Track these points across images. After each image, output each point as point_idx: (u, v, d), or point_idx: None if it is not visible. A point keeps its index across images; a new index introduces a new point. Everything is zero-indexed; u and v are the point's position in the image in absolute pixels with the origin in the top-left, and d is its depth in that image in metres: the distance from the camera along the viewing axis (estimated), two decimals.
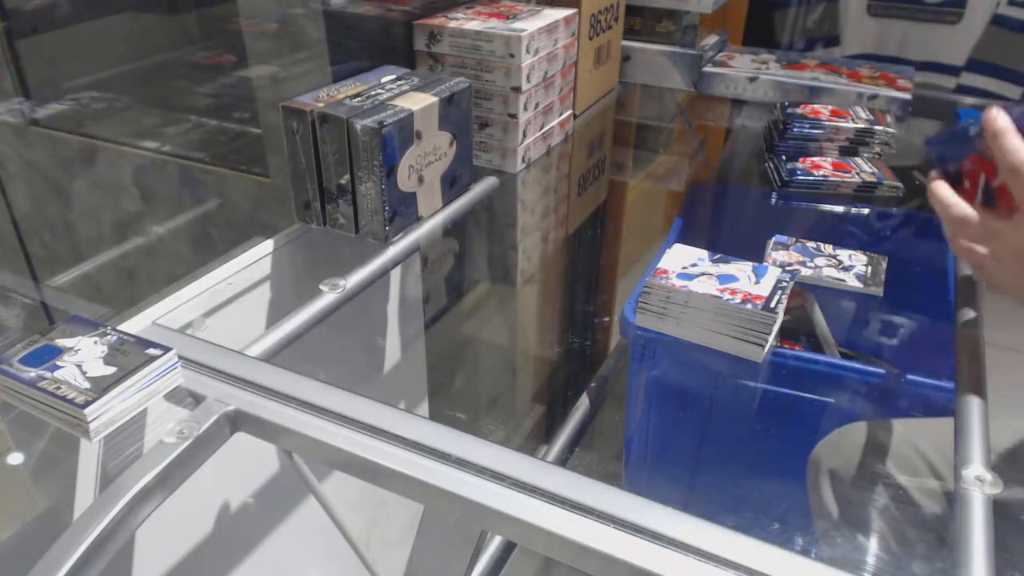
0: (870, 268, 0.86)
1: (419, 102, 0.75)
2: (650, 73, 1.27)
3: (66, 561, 0.43)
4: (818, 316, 0.91)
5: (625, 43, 1.25)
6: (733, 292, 0.71)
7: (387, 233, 0.75)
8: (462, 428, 0.52)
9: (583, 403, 0.87)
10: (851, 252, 0.89)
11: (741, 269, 0.75)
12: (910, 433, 0.77)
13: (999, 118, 0.58)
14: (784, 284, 0.73)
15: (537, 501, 0.47)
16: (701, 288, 0.72)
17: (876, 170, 1.00)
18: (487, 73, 0.90)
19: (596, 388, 0.89)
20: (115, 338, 0.55)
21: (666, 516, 0.45)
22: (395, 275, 0.98)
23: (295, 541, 0.94)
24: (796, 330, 0.99)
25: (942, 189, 0.63)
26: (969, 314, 0.72)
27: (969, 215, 0.61)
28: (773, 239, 0.91)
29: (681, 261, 0.76)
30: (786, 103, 1.08)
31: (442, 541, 1.17)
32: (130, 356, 0.53)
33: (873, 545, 0.75)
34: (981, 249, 0.61)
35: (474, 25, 0.90)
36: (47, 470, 0.61)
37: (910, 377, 0.77)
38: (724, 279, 0.73)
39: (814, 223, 0.99)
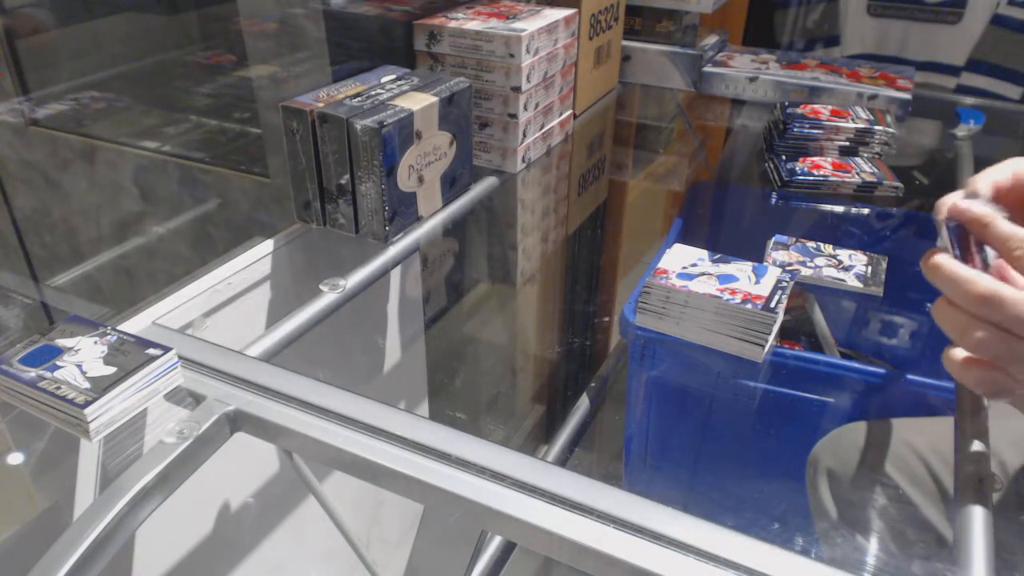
0: (870, 268, 0.86)
1: (419, 102, 0.75)
2: (650, 73, 1.27)
3: (66, 561, 0.43)
4: (818, 316, 0.91)
5: (625, 43, 1.25)
6: (733, 292, 0.71)
7: (387, 233, 0.75)
8: (462, 428, 0.52)
9: (583, 403, 0.87)
10: (851, 252, 0.89)
11: (741, 269, 0.75)
12: (910, 433, 0.77)
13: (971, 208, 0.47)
14: (784, 284, 0.73)
15: (537, 501, 0.47)
16: (701, 288, 0.72)
17: (876, 170, 1.00)
18: (487, 73, 0.90)
19: (596, 388, 0.89)
20: (115, 338, 0.55)
21: (666, 516, 0.45)
22: (395, 275, 0.98)
23: (295, 541, 0.94)
24: (796, 330, 0.99)
25: (946, 261, 0.48)
26: None
27: (999, 294, 0.45)
28: (773, 239, 0.91)
29: (681, 261, 0.76)
30: (786, 103, 1.08)
31: (442, 541, 1.17)
32: (130, 356, 0.53)
33: (873, 545, 0.75)
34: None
35: (474, 25, 0.90)
36: (47, 470, 0.61)
37: (910, 377, 0.77)
38: (724, 279, 0.73)
39: (814, 223, 0.99)
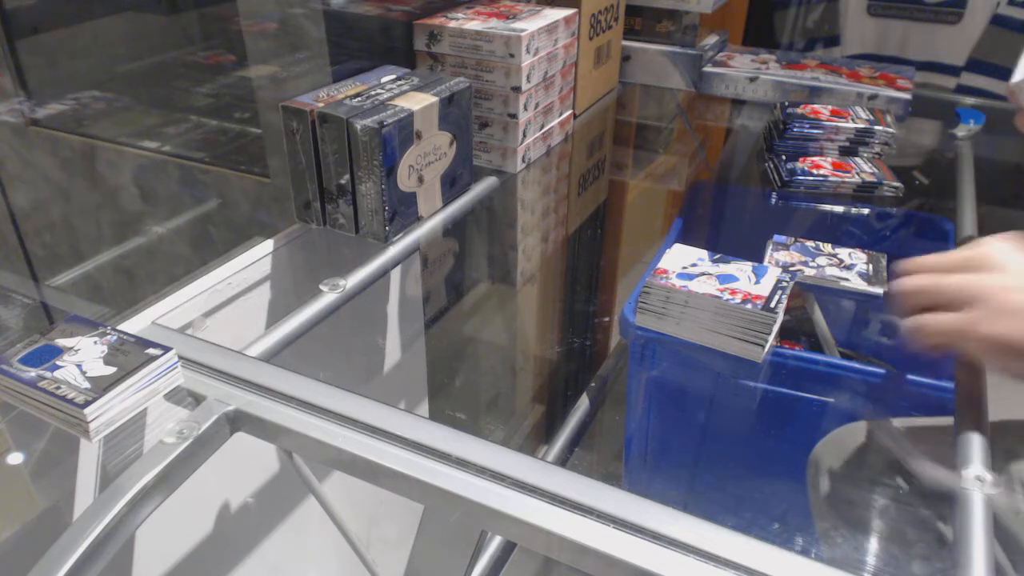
0: (871, 266, 0.86)
1: (419, 102, 0.75)
2: (650, 73, 1.27)
3: (66, 561, 0.43)
4: (818, 316, 0.91)
5: (625, 43, 1.25)
6: (733, 292, 0.71)
7: (387, 233, 0.75)
8: (462, 428, 0.52)
9: (583, 403, 0.87)
10: (850, 250, 0.89)
11: (741, 269, 0.75)
12: (910, 433, 0.77)
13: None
14: (784, 284, 0.73)
15: (537, 501, 0.47)
16: (701, 288, 0.72)
17: (876, 170, 1.00)
18: (487, 73, 0.90)
19: (596, 388, 0.89)
20: (115, 338, 0.55)
21: (666, 516, 0.45)
22: (395, 275, 0.98)
23: (295, 541, 0.94)
24: (796, 330, 0.99)
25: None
26: None
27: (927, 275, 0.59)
28: (772, 239, 0.91)
29: (681, 261, 0.76)
30: (786, 103, 1.08)
31: (442, 541, 1.17)
32: (130, 356, 0.53)
33: (873, 545, 0.75)
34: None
35: (474, 25, 0.90)
36: (47, 470, 0.61)
37: (910, 377, 0.77)
38: (724, 279, 0.73)
39: (814, 223, 0.99)
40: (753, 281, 0.73)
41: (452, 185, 0.84)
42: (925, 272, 0.60)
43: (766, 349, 0.70)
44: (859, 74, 1.21)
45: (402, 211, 0.77)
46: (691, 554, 0.43)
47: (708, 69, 1.23)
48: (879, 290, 0.83)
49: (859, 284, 0.83)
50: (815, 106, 1.08)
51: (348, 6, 0.89)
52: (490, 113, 0.93)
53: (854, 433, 0.80)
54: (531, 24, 0.91)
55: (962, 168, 1.05)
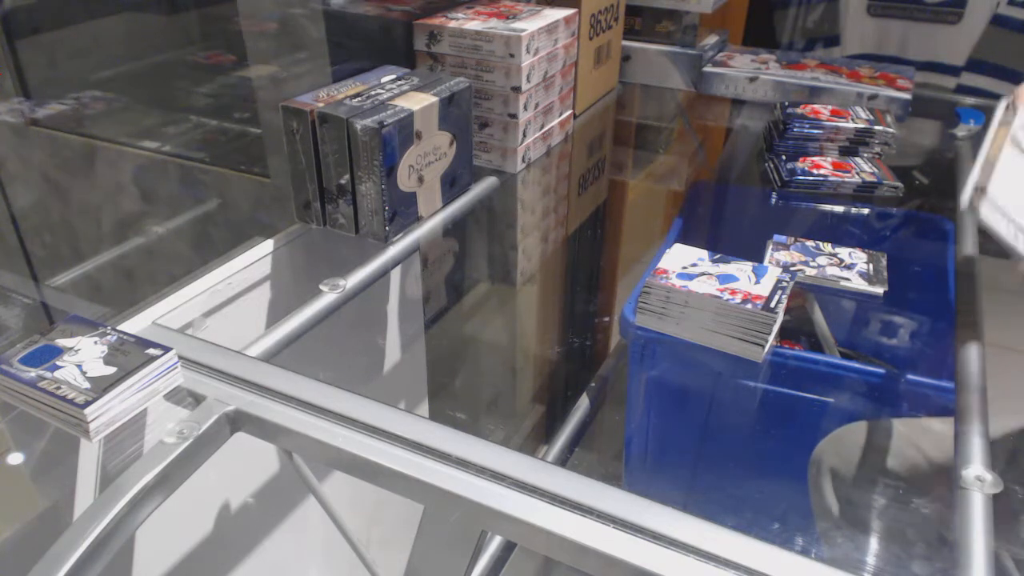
0: (871, 265, 0.86)
1: (419, 102, 0.75)
2: (650, 73, 1.27)
3: (66, 561, 0.43)
4: (818, 316, 0.91)
5: (625, 43, 1.25)
6: (733, 292, 0.71)
7: (387, 233, 0.75)
8: (462, 428, 0.52)
9: (583, 403, 0.87)
10: (850, 250, 0.89)
11: (741, 269, 0.75)
12: (910, 433, 0.77)
13: None
14: (784, 284, 0.73)
15: (537, 501, 0.47)
16: (701, 288, 0.72)
17: (876, 170, 1.00)
18: (487, 73, 0.90)
19: (596, 388, 0.89)
20: (115, 338, 0.55)
21: (666, 516, 0.45)
22: (395, 275, 0.98)
23: (295, 541, 0.94)
24: (796, 330, 0.99)
25: None
26: (969, 314, 0.72)
27: None
28: (772, 239, 0.91)
29: (681, 261, 0.76)
30: (786, 103, 1.08)
31: (442, 541, 1.17)
32: (130, 356, 0.53)
33: (873, 545, 0.75)
34: None
35: (474, 25, 0.90)
36: (47, 470, 0.61)
37: (910, 377, 0.77)
38: (724, 279, 0.73)
39: (814, 223, 0.99)
40: (753, 281, 0.73)
41: (452, 185, 0.84)
42: None
43: (766, 349, 0.70)
44: (859, 74, 1.21)
45: (402, 211, 0.77)
46: (691, 554, 0.43)
47: (708, 69, 1.23)
48: (879, 290, 0.83)
49: (859, 284, 0.83)
50: (815, 106, 1.08)
51: (348, 6, 0.89)
52: (490, 113, 0.93)
53: (856, 433, 0.80)
54: (531, 24, 0.91)
55: (962, 168, 1.05)
